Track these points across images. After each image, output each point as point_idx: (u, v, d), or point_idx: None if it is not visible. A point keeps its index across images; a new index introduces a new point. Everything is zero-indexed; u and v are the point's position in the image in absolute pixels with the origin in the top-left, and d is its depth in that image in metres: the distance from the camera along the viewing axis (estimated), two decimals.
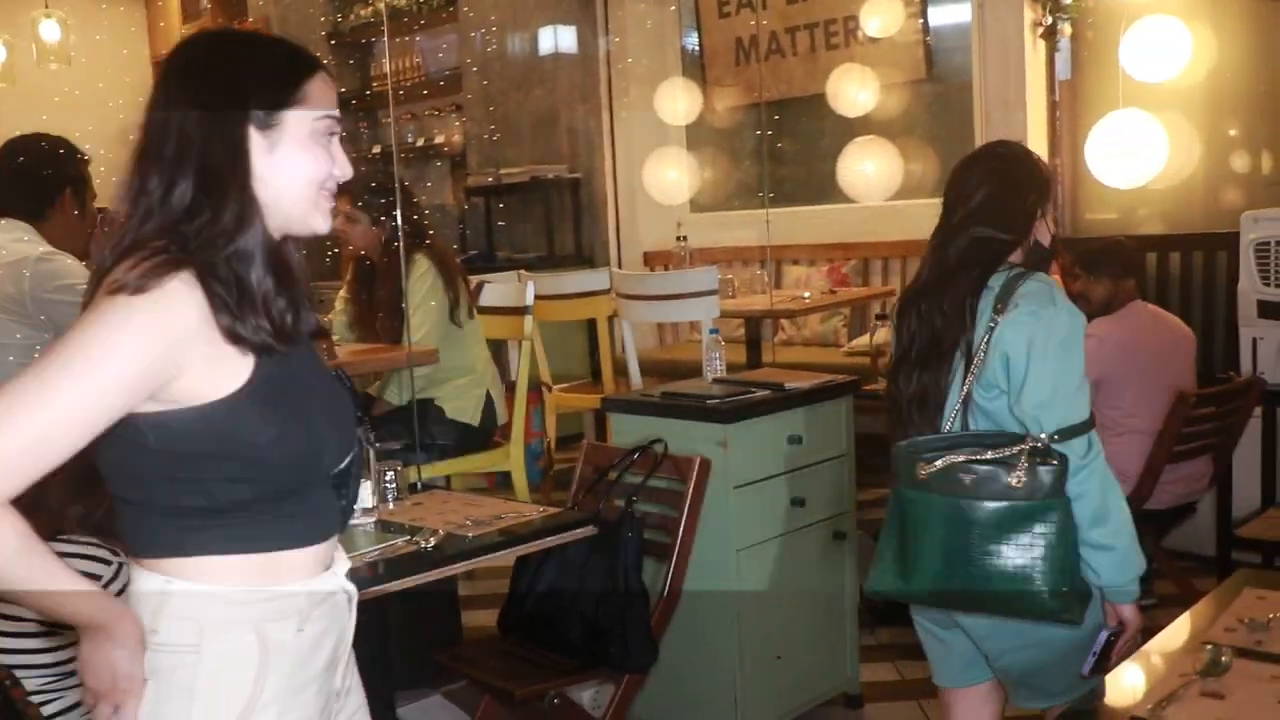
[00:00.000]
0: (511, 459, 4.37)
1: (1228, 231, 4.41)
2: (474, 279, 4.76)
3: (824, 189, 6.28)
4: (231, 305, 1.34)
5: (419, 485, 3.02)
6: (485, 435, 4.31)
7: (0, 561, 1.25)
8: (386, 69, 8.36)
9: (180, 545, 1.38)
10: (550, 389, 5.29)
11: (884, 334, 4.33)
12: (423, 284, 4.05)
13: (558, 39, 7.41)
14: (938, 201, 2.32)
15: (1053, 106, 5.48)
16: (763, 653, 3.10)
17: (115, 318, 1.28)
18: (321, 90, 1.43)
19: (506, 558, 2.61)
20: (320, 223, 1.46)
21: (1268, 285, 4.12)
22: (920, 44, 5.98)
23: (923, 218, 5.93)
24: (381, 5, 8.12)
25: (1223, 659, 1.66)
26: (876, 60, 6.08)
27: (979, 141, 5.60)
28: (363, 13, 8.21)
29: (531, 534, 2.55)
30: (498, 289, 4.89)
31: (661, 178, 6.75)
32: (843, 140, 6.07)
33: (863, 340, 5.50)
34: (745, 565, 3.05)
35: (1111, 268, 3.82)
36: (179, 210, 1.36)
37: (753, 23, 6.68)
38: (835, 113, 6.14)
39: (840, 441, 3.32)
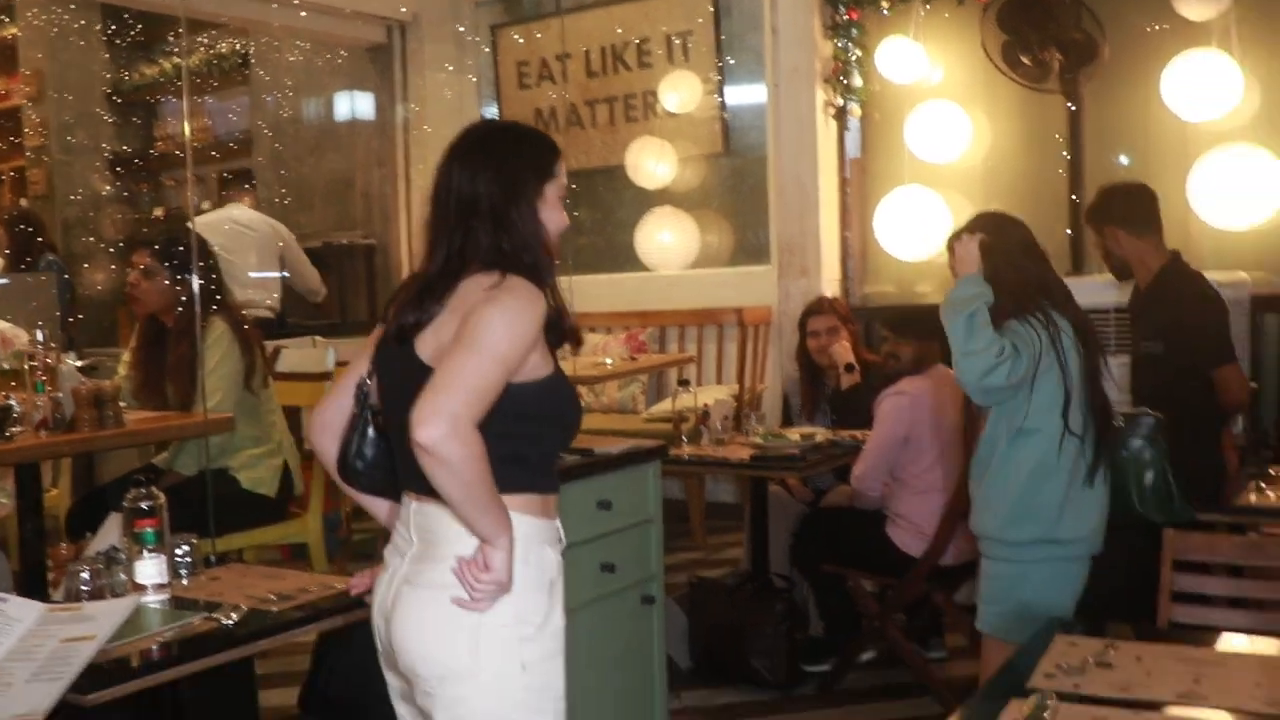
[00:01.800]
0: (309, 530, 4.21)
1: None
2: (269, 344, 4.59)
3: (622, 258, 6.37)
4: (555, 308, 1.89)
5: (213, 559, 2.88)
6: (282, 506, 4.14)
7: (476, 473, 1.69)
8: (171, 129, 8.11)
9: (529, 484, 1.87)
10: None
11: (686, 400, 4.38)
12: (218, 348, 3.86)
13: (354, 105, 7.33)
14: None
15: (843, 182, 5.74)
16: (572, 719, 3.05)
17: (522, 303, 1.80)
18: (563, 165, 1.99)
19: (307, 633, 2.50)
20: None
21: None
22: (718, 120, 6.17)
23: (719, 286, 6.21)
24: (169, 65, 7.88)
25: (1048, 703, 1.71)
26: (675, 134, 6.24)
27: (774, 213, 5.80)
28: (148, 71, 7.94)
29: (340, 607, 2.44)
30: (295, 354, 4.74)
31: None
32: (641, 210, 6.21)
33: (663, 406, 5.56)
34: None
35: (917, 330, 3.96)
36: (507, 245, 1.87)
37: (552, 94, 6.76)
38: (634, 184, 6.27)
39: (648, 506, 3.32)
